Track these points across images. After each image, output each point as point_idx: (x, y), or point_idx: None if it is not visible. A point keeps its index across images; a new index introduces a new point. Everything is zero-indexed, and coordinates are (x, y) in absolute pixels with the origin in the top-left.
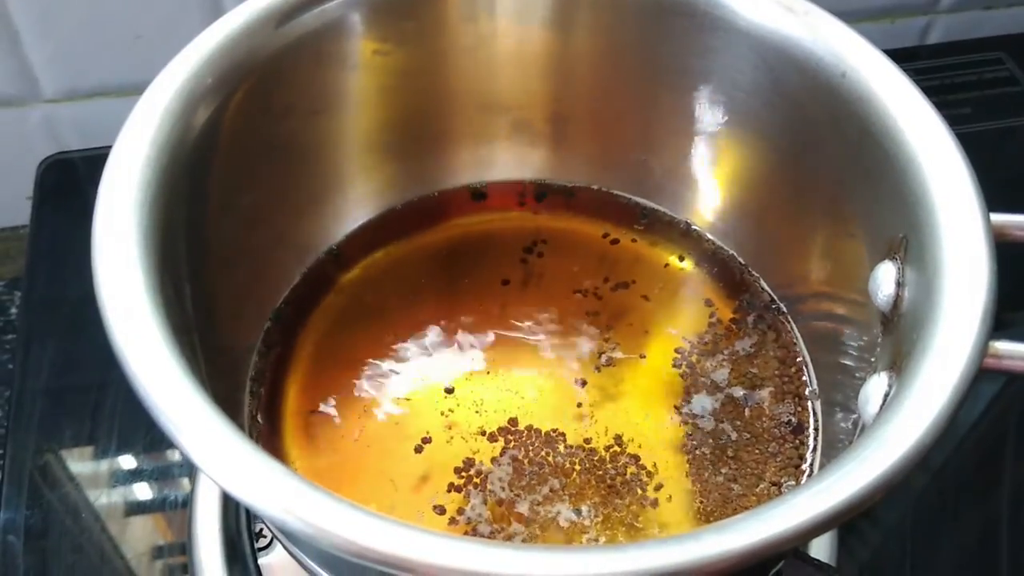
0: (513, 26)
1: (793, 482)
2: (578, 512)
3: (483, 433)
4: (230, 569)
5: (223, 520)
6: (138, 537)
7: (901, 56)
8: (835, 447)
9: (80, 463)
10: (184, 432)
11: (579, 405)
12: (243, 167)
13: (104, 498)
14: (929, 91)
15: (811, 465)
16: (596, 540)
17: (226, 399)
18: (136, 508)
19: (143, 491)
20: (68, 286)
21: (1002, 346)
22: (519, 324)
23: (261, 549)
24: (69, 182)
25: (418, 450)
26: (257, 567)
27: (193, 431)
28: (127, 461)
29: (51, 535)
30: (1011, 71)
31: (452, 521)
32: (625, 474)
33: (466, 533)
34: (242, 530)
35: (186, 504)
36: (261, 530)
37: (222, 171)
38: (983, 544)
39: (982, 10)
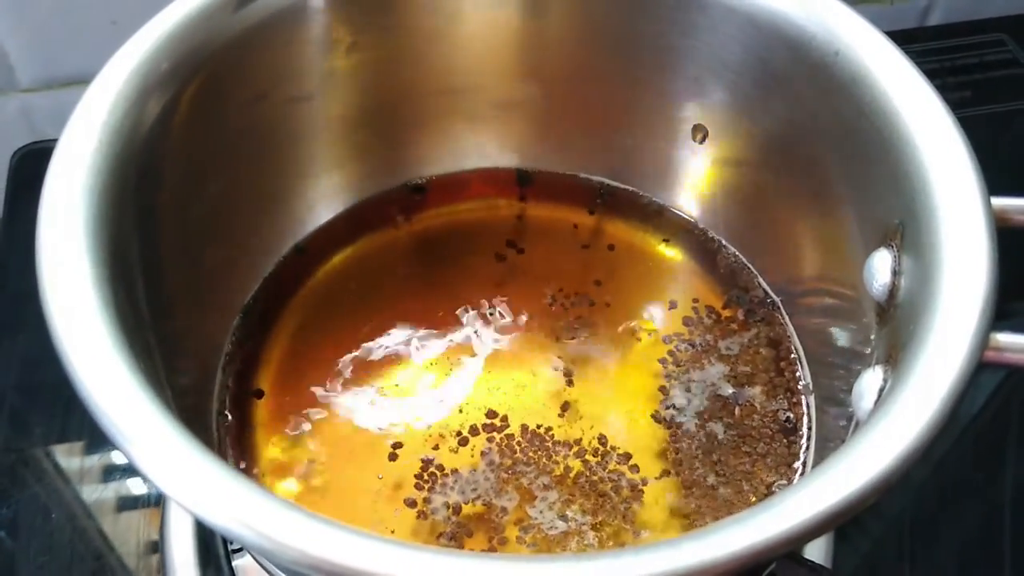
0: (484, 5)
1: (785, 482)
2: (563, 517)
3: (462, 433)
4: (203, 570)
5: (197, 520)
6: (113, 534)
7: (900, 38)
8: (829, 445)
9: (52, 459)
10: (122, 431)
11: (563, 405)
12: (203, 156)
13: (77, 494)
14: (929, 74)
15: (804, 463)
16: (580, 544)
17: (191, 401)
18: (110, 505)
19: (118, 487)
20: None
21: (1004, 338)
22: (500, 319)
23: (236, 551)
24: (43, 172)
25: (392, 456)
26: (231, 569)
27: (132, 430)
28: (100, 457)
29: (22, 533)
30: (1013, 53)
31: (424, 522)
32: (611, 475)
33: (441, 537)
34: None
35: (160, 501)
36: None
37: (180, 159)
38: (985, 539)
39: None
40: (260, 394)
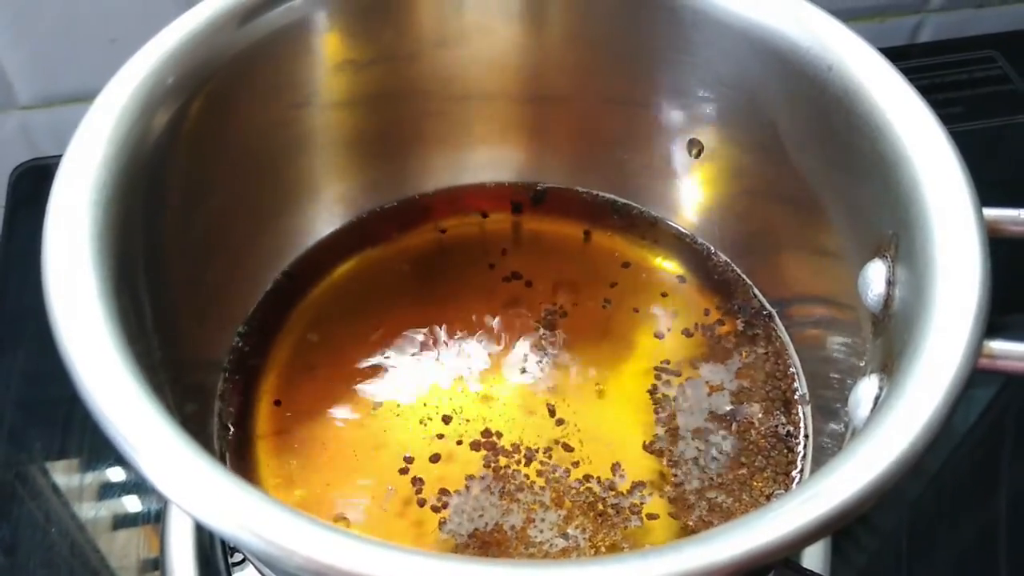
0: (485, 22)
1: (783, 491)
2: (564, 535)
3: (461, 450)
4: None
5: (197, 535)
6: (112, 552)
7: (891, 55)
8: (826, 454)
9: (51, 475)
10: (130, 441)
11: (559, 422)
12: (207, 170)
13: (76, 511)
14: (920, 90)
15: (801, 472)
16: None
17: (192, 413)
18: (109, 522)
19: (116, 504)
20: (41, 296)
21: (997, 345)
22: (498, 335)
23: (236, 564)
24: (42, 189)
25: (403, 471)
26: None
27: (139, 440)
28: (99, 474)
29: (21, 550)
30: (1003, 70)
31: (426, 538)
32: (609, 493)
33: (448, 552)
34: (216, 545)
35: (159, 518)
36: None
37: (185, 173)
38: (981, 551)
39: (973, 8)
40: (261, 407)
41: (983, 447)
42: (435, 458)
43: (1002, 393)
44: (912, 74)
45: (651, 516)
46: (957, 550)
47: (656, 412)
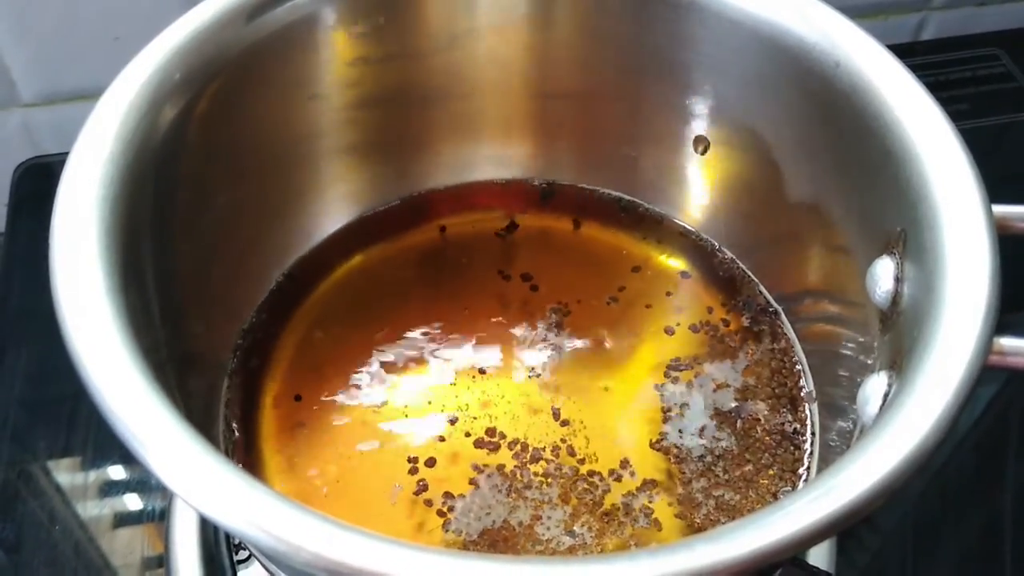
0: (492, 19)
1: (790, 488)
2: (571, 533)
3: (464, 450)
4: None
5: (201, 532)
6: (116, 550)
7: (895, 52)
8: (833, 452)
9: (55, 474)
10: (138, 437)
11: (566, 422)
12: (215, 166)
13: (80, 510)
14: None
15: (808, 470)
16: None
17: (198, 409)
18: (113, 520)
19: (120, 503)
20: (44, 294)
21: (1007, 342)
22: (504, 333)
23: (240, 562)
24: (46, 187)
25: (410, 471)
26: None
27: (147, 435)
28: (103, 472)
29: (25, 548)
30: (1007, 67)
31: (438, 535)
32: (616, 492)
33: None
34: (221, 542)
35: (164, 516)
36: (240, 542)
37: (192, 170)
38: (986, 548)
39: (975, 6)
40: (265, 404)
41: (987, 444)
42: (441, 457)
43: (1005, 389)
44: (916, 72)
45: (658, 514)
46: (961, 547)
47: (662, 410)
